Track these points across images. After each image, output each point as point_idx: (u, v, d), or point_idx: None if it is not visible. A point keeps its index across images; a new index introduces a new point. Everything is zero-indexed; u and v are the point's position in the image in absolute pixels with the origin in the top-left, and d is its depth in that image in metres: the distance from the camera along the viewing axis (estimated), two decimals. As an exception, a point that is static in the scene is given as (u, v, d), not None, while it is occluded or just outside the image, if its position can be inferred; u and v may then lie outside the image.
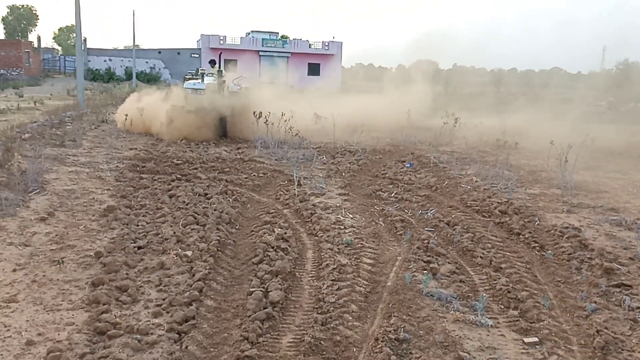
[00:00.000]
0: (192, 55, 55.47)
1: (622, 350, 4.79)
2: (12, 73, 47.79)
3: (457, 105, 23.33)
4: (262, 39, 55.52)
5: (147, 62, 57.79)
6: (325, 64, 56.28)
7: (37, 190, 8.95)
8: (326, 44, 56.97)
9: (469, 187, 10.90)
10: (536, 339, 4.87)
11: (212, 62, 17.79)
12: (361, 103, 24.15)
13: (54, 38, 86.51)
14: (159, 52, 59.25)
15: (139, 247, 6.65)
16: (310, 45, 56.70)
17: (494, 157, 14.51)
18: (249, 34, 57.04)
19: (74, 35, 57.37)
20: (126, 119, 16.93)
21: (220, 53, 19.36)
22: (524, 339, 4.90)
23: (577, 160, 11.53)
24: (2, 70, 47.86)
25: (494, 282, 6.06)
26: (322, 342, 4.53)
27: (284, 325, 4.93)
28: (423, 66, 34.35)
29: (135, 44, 55.67)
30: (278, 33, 58.52)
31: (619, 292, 5.97)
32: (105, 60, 57.77)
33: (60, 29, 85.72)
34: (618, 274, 6.41)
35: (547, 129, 19.45)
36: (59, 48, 78.88)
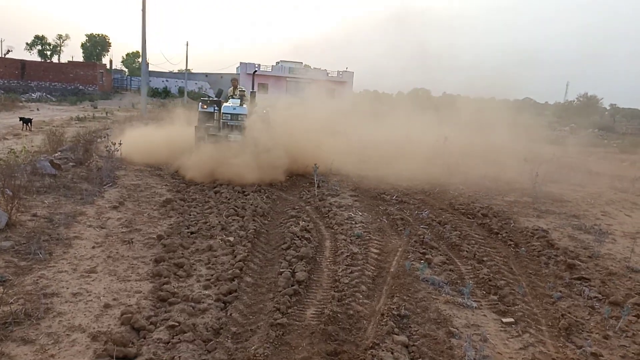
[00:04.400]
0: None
1: (582, 331, 4.76)
2: (89, 89, 48.35)
3: (447, 126, 23.11)
4: (289, 67, 55.71)
5: (196, 84, 58.22)
6: (339, 89, 56.20)
7: (110, 184, 9.07)
8: (340, 73, 57.08)
9: (456, 193, 10.84)
10: (512, 320, 4.85)
11: (234, 81, 12.97)
12: (370, 123, 24.02)
13: (122, 61, 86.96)
14: (206, 76, 59.64)
15: (192, 233, 6.72)
16: (327, 73, 56.75)
17: (476, 170, 14.39)
18: (279, 63, 57.22)
19: (139, 59, 57.77)
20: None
21: (255, 71, 15.01)
22: (502, 319, 4.88)
23: (545, 174, 11.43)
24: (81, 87, 48.44)
25: (478, 272, 6.04)
26: (338, 314, 4.54)
27: (308, 300, 4.95)
28: (418, 93, 34.27)
29: (188, 68, 56.08)
30: (302, 63, 58.59)
31: (579, 284, 5.92)
32: (163, 81, 58.31)
33: (127, 54, 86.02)
34: (579, 269, 6.36)
35: (520, 148, 19.28)
36: (126, 70, 79.39)
